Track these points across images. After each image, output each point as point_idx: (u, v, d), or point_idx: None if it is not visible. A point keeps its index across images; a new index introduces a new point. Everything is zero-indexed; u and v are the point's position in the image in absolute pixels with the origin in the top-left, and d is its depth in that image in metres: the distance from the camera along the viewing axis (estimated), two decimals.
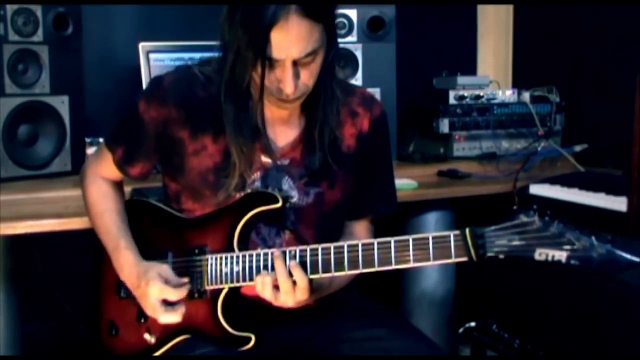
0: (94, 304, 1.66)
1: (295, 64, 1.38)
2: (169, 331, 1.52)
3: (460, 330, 2.26)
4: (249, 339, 1.46)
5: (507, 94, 2.74)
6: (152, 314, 1.48)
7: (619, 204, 1.82)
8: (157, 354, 1.54)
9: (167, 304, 1.45)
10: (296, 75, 1.40)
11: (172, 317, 1.46)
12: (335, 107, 1.54)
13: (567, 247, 1.24)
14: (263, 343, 1.47)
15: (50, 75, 2.26)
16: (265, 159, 1.54)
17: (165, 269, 1.48)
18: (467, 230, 1.31)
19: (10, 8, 2.15)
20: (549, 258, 1.25)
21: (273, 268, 1.40)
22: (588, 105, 2.76)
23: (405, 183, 2.23)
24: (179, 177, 1.56)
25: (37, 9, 2.21)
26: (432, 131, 2.68)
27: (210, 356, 1.46)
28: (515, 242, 1.27)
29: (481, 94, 2.71)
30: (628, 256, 1.21)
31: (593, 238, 1.23)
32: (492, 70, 3.19)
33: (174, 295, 1.45)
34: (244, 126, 1.48)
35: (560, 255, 1.24)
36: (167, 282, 1.45)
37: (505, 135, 2.71)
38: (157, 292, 1.44)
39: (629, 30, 2.59)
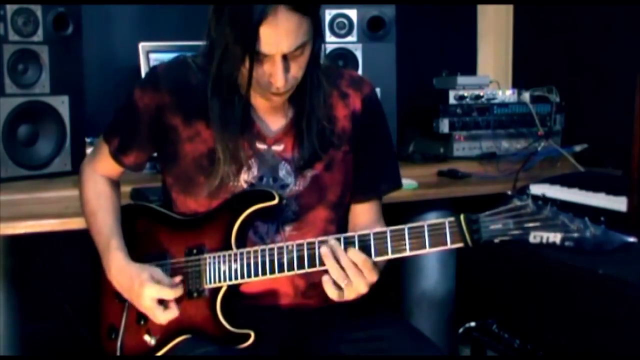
0: (93, 308, 1.66)
1: (285, 58, 1.39)
2: (169, 332, 1.52)
3: (460, 330, 2.26)
4: (248, 336, 1.46)
5: (507, 94, 2.75)
6: (150, 315, 1.48)
7: (619, 204, 1.82)
8: (157, 354, 1.53)
9: (162, 303, 1.46)
10: (286, 69, 1.40)
11: (171, 314, 1.46)
12: (322, 96, 1.55)
13: (562, 228, 1.24)
14: (262, 342, 1.47)
15: (50, 75, 2.26)
16: (259, 145, 1.54)
17: (157, 271, 1.49)
18: (461, 216, 1.32)
19: (10, 8, 2.16)
20: (544, 241, 1.25)
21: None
22: (588, 105, 2.76)
23: (405, 183, 2.22)
24: (174, 166, 1.56)
25: (37, 9, 2.21)
26: (432, 131, 2.69)
27: (210, 356, 1.46)
28: (510, 226, 1.27)
29: (481, 94, 2.71)
30: (622, 236, 1.21)
31: (586, 219, 1.23)
32: (492, 70, 3.19)
33: (171, 294, 1.46)
34: (230, 121, 1.49)
35: (555, 237, 1.24)
36: (160, 282, 1.46)
37: (505, 135, 2.71)
38: (153, 292, 1.45)
39: (629, 30, 2.59)
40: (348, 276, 1.36)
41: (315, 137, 1.53)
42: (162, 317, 1.46)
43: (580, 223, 1.23)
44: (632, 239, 1.21)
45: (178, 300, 1.48)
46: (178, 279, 1.50)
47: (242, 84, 1.45)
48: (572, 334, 1.87)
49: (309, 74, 1.50)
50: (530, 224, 1.26)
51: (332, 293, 1.38)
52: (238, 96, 1.49)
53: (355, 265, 1.36)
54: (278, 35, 1.35)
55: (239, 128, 1.50)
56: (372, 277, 1.37)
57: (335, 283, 1.37)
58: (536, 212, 1.26)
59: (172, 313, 1.47)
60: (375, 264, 1.38)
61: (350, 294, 1.38)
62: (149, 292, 1.45)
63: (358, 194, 1.63)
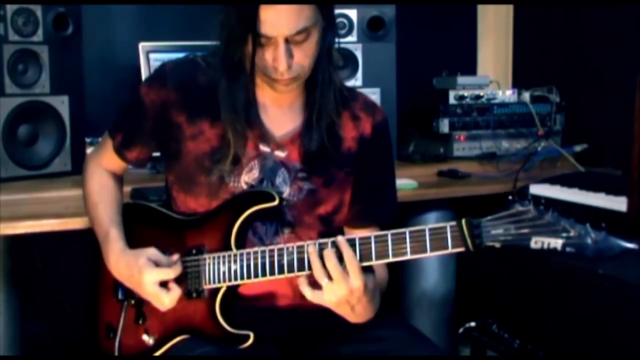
0: (91, 307, 1.66)
1: (287, 42, 1.39)
2: (167, 331, 1.52)
3: (460, 330, 2.26)
4: (248, 337, 1.46)
5: (507, 94, 2.75)
6: (154, 299, 1.47)
7: (619, 204, 1.82)
8: (156, 354, 1.53)
9: (164, 285, 1.46)
10: (289, 54, 1.40)
11: (175, 294, 1.46)
12: (333, 93, 1.54)
13: (563, 234, 1.24)
14: (262, 342, 1.47)
15: (50, 75, 2.26)
16: (263, 148, 1.54)
17: (152, 251, 1.48)
18: (463, 221, 1.32)
19: (10, 8, 2.16)
20: (545, 246, 1.25)
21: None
22: (588, 105, 2.76)
23: (405, 183, 2.22)
24: (176, 164, 1.56)
25: (37, 9, 2.21)
26: (432, 131, 2.69)
27: (209, 356, 1.46)
28: (512, 231, 1.28)
29: (481, 94, 2.71)
30: (623, 243, 1.22)
31: (588, 225, 1.23)
32: (492, 70, 3.19)
33: (171, 273, 1.45)
34: (237, 102, 1.49)
35: (556, 243, 1.25)
36: (158, 263, 1.46)
37: (505, 135, 2.72)
38: (154, 276, 1.44)
39: (629, 30, 2.59)
40: (330, 275, 1.35)
41: (324, 130, 1.53)
42: (168, 299, 1.45)
43: (582, 229, 1.24)
44: (632, 246, 1.22)
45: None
46: (175, 257, 1.49)
47: (247, 67, 1.45)
48: (572, 334, 1.87)
49: (320, 68, 1.50)
50: (532, 230, 1.26)
51: (307, 292, 1.37)
52: (245, 78, 1.48)
53: (342, 261, 1.35)
54: (278, 16, 1.36)
55: (246, 110, 1.50)
56: (356, 280, 1.34)
57: (312, 283, 1.36)
58: (538, 218, 1.26)
59: (176, 292, 1.45)
60: (363, 269, 1.36)
61: (328, 297, 1.36)
62: (149, 277, 1.44)
63: (356, 219, 1.62)
